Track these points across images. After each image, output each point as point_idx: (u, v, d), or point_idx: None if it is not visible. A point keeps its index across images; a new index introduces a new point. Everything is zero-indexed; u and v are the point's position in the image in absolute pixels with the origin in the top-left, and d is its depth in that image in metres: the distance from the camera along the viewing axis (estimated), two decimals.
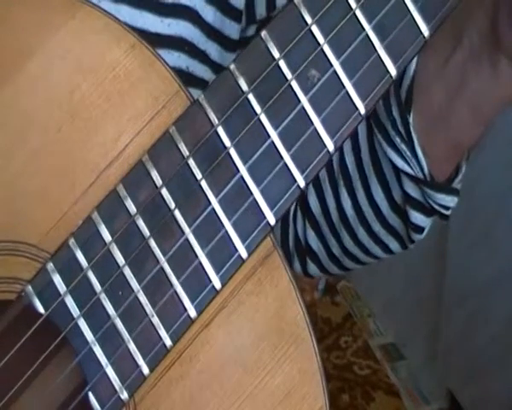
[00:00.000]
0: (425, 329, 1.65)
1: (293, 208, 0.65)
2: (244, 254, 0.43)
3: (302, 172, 0.43)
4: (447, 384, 1.59)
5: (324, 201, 0.63)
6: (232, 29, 0.59)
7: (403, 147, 0.55)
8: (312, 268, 0.67)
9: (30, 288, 0.42)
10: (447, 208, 0.58)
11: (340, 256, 0.65)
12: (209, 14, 0.57)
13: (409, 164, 0.55)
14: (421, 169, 0.55)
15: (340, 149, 0.60)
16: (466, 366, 1.52)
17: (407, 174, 0.56)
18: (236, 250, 0.43)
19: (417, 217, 0.58)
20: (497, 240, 1.38)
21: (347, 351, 1.72)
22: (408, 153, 0.55)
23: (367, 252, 0.64)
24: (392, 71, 0.44)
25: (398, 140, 0.55)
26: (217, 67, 0.59)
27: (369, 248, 0.63)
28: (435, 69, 0.53)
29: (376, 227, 0.61)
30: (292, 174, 0.43)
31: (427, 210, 0.58)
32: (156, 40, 0.55)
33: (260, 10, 0.60)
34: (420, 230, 0.59)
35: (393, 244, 0.62)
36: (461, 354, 1.53)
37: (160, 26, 0.56)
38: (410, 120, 0.54)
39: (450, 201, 0.57)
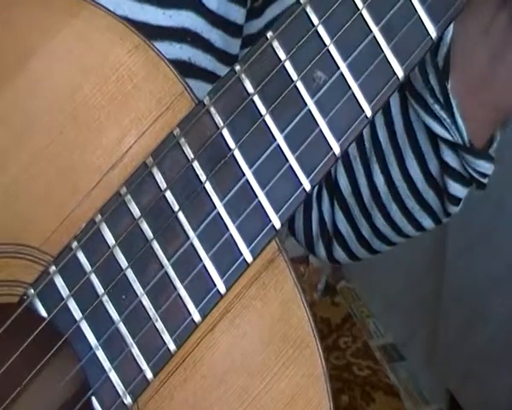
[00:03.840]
0: (424, 329, 1.65)
1: (315, 190, 0.64)
2: (249, 258, 0.43)
3: (308, 175, 0.43)
4: (447, 385, 1.59)
5: (355, 180, 0.62)
6: (237, 14, 0.59)
7: (442, 114, 0.54)
8: (339, 253, 0.66)
9: (32, 291, 0.42)
10: (485, 176, 0.57)
11: (370, 238, 0.64)
12: (213, 1, 0.57)
13: (448, 131, 0.55)
14: (461, 136, 0.54)
15: (371, 125, 0.60)
16: (465, 367, 1.52)
17: (446, 143, 0.56)
18: (241, 254, 0.43)
19: (455, 187, 0.57)
20: (496, 240, 1.38)
21: (347, 352, 1.72)
22: (448, 120, 0.54)
23: (399, 231, 0.62)
24: (399, 72, 0.43)
25: (437, 108, 0.54)
26: (221, 55, 0.59)
27: (402, 227, 0.62)
28: (477, 33, 0.52)
29: (410, 203, 0.60)
30: (297, 177, 0.43)
31: (466, 179, 0.57)
32: (158, 33, 0.55)
33: None
34: (456, 201, 0.59)
35: (427, 221, 0.61)
36: (460, 354, 1.53)
37: (161, 18, 0.55)
38: (449, 86, 0.54)
39: (488, 168, 0.56)
